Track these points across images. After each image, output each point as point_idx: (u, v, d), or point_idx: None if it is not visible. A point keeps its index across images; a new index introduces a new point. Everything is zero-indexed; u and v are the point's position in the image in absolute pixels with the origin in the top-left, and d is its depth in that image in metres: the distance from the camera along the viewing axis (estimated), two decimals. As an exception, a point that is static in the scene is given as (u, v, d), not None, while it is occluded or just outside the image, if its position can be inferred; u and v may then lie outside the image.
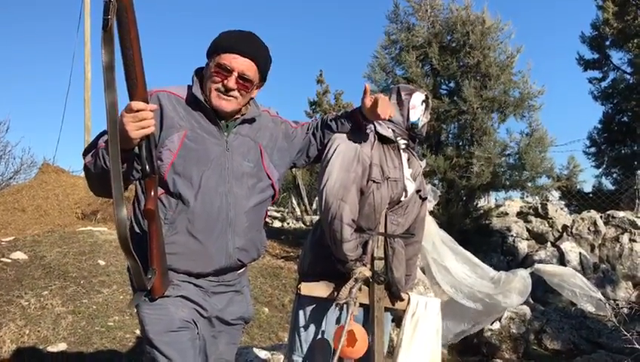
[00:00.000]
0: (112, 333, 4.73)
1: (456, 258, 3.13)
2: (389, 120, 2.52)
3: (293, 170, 12.11)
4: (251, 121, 2.15)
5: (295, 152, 2.36)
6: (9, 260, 5.96)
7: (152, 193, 1.85)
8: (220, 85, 2.00)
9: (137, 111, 1.70)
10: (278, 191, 2.23)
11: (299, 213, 12.46)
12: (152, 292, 1.89)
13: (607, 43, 15.06)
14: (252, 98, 2.16)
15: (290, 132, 2.33)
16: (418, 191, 2.61)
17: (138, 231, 1.99)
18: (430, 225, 2.97)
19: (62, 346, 4.42)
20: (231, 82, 1.99)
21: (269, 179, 2.16)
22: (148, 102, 1.75)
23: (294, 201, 13.12)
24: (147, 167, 1.82)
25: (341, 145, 2.37)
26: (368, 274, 2.40)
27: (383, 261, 2.49)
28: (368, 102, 2.28)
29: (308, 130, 2.41)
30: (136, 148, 1.79)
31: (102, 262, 6.28)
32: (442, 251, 3.11)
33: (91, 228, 7.91)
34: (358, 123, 2.38)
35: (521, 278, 3.16)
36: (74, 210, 9.69)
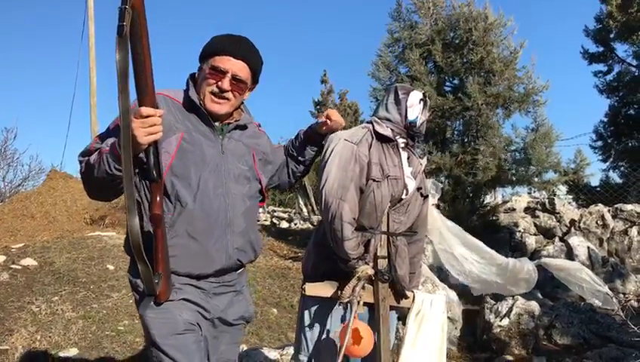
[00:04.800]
0: (122, 337, 4.77)
1: (464, 245, 3.15)
2: (387, 119, 2.54)
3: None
4: (243, 127, 2.20)
5: (276, 167, 2.43)
6: (19, 266, 6.01)
7: (158, 198, 1.85)
8: (214, 87, 2.05)
9: (147, 116, 1.71)
10: (266, 197, 2.30)
11: (306, 213, 12.46)
12: (158, 297, 1.90)
13: (612, 36, 14.96)
14: (243, 102, 2.22)
15: (275, 147, 2.44)
16: (419, 189, 2.62)
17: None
18: (434, 217, 2.98)
19: (73, 351, 4.46)
20: (225, 83, 2.04)
21: (260, 184, 2.23)
22: (157, 107, 1.76)
23: (301, 202, 13.12)
24: (154, 172, 1.82)
25: (337, 146, 2.41)
26: (371, 272, 2.41)
27: (387, 259, 2.51)
28: (324, 125, 2.42)
29: (285, 150, 2.50)
30: (143, 153, 1.79)
31: (111, 267, 6.33)
32: (450, 240, 3.12)
33: (99, 234, 7.96)
34: (317, 144, 2.49)
35: (528, 271, 3.18)
36: (82, 216, 9.73)
